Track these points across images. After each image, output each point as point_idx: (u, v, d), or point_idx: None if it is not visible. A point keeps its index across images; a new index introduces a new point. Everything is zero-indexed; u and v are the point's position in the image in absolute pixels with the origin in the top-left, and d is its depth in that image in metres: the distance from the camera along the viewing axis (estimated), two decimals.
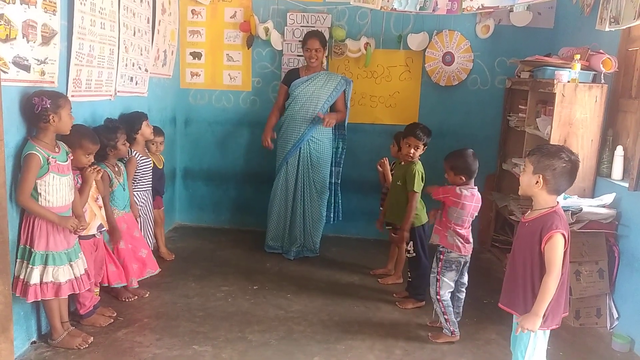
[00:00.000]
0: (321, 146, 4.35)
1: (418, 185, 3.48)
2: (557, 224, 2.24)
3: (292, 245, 4.43)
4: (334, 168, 4.53)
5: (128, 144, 3.39)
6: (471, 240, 3.13)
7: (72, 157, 2.83)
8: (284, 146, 4.37)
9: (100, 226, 3.12)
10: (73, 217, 2.77)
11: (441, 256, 3.13)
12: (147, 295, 3.54)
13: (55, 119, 2.64)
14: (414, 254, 3.57)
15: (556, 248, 2.23)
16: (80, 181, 2.95)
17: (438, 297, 3.13)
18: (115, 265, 3.32)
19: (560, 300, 2.33)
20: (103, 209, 3.16)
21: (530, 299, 2.32)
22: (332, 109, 4.38)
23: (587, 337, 3.31)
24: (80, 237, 2.99)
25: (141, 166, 3.67)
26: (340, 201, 4.62)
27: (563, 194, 3.39)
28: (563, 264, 2.27)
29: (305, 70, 4.39)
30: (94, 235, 3.11)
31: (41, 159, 2.60)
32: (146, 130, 3.68)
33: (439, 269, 3.13)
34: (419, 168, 3.52)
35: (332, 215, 4.58)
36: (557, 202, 2.34)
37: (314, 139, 4.31)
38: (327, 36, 4.77)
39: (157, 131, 3.97)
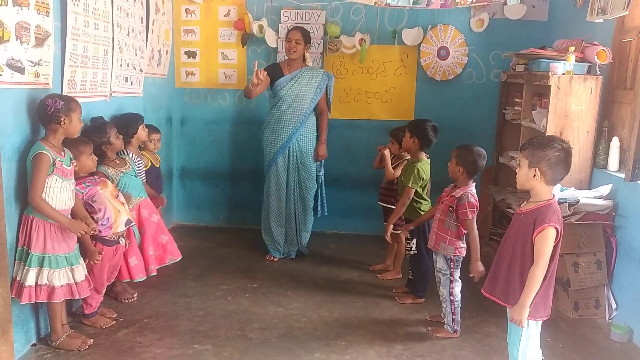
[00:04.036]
0: (308, 142, 4.31)
1: (414, 182, 3.47)
2: (551, 218, 2.26)
3: (292, 247, 4.42)
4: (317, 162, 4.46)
5: (121, 136, 3.36)
6: None
7: (76, 165, 2.84)
8: (272, 146, 4.28)
9: (128, 221, 3.10)
10: (83, 222, 2.77)
11: (452, 257, 3.12)
12: (135, 294, 3.54)
13: (66, 121, 2.67)
14: (416, 252, 3.56)
15: (546, 241, 2.25)
16: (83, 191, 2.92)
17: (452, 297, 3.13)
18: (138, 258, 3.38)
19: (549, 292, 2.37)
20: (126, 204, 3.15)
21: (513, 288, 2.35)
22: (316, 108, 4.31)
23: (586, 328, 3.32)
24: (104, 243, 3.03)
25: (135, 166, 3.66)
26: (325, 194, 4.55)
27: (560, 185, 3.43)
28: (553, 256, 2.29)
29: (287, 67, 4.28)
30: (117, 242, 3.12)
31: (50, 158, 2.61)
32: (142, 133, 3.67)
33: (452, 270, 3.13)
34: (420, 165, 3.50)
35: (318, 208, 4.52)
36: (553, 195, 2.36)
37: (302, 136, 4.27)
38: (321, 32, 4.78)
39: (153, 129, 3.96)
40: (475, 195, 3.07)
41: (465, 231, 3.06)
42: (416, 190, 3.51)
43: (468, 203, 3.01)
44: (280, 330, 3.19)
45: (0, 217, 2.42)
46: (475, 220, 3.03)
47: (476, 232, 3.02)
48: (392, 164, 3.96)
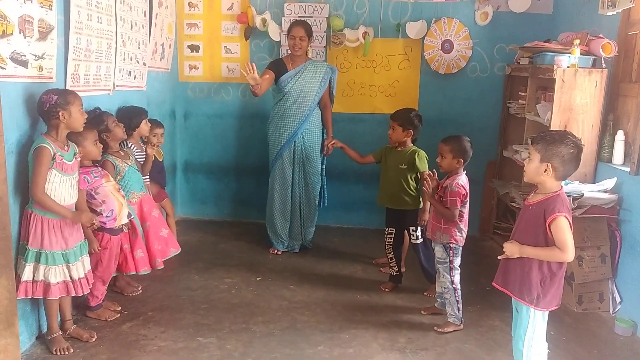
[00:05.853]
0: (313, 136, 4.31)
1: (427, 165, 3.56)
2: (560, 208, 2.25)
3: (296, 241, 4.43)
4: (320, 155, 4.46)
5: (122, 124, 3.35)
6: None
7: (80, 156, 2.84)
8: (277, 140, 4.28)
9: (129, 214, 3.16)
10: (88, 212, 2.78)
11: (451, 245, 3.13)
12: (140, 288, 3.56)
13: (65, 115, 2.65)
14: (421, 240, 3.58)
15: (563, 229, 2.24)
16: (91, 180, 2.94)
17: (454, 285, 3.13)
18: (143, 250, 3.40)
19: (560, 284, 2.37)
20: (125, 198, 3.19)
21: (529, 282, 2.34)
22: (319, 101, 4.30)
23: (590, 321, 3.32)
24: (111, 233, 3.08)
25: (136, 159, 3.66)
26: (325, 186, 4.55)
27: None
28: None
29: (291, 62, 4.25)
30: (122, 230, 3.18)
31: (51, 152, 2.60)
32: (144, 128, 3.67)
33: (451, 257, 3.13)
34: (421, 152, 3.57)
35: (320, 201, 4.53)
36: (561, 187, 2.34)
37: (307, 130, 4.27)
38: (325, 26, 4.77)
39: (156, 124, 3.95)
40: (464, 184, 3.08)
41: (465, 216, 3.10)
42: (413, 181, 3.56)
43: (451, 192, 3.07)
44: (284, 323, 3.20)
45: (5, 210, 2.42)
46: (457, 208, 3.05)
47: (454, 214, 3.05)
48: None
